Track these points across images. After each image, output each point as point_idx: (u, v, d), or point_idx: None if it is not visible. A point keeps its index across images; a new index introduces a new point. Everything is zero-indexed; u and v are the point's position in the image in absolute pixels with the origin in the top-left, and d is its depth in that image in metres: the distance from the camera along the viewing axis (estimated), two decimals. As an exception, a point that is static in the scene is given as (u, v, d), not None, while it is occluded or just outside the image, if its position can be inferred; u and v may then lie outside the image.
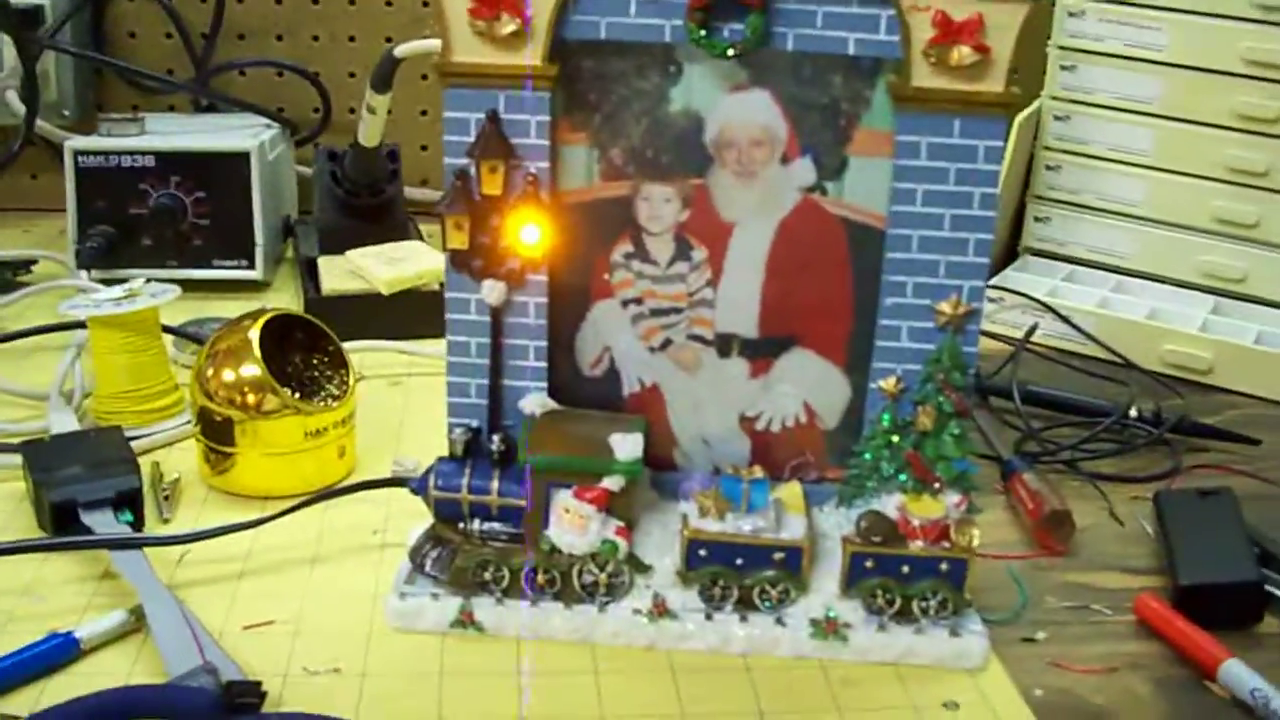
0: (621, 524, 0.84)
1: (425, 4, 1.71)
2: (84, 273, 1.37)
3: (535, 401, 0.87)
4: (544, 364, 0.87)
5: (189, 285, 1.26)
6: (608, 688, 0.81)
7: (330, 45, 1.73)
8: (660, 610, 0.84)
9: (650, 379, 0.90)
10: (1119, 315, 1.38)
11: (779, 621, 0.84)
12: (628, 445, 0.83)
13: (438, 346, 1.10)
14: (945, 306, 0.83)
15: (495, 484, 0.85)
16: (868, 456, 0.87)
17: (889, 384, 0.85)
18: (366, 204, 1.49)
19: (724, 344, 0.89)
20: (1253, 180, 1.40)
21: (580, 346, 0.89)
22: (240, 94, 1.70)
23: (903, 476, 0.85)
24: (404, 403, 1.20)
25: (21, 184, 1.72)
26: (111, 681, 0.78)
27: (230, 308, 1.34)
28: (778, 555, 0.84)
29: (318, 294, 1.34)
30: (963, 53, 0.78)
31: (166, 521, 0.97)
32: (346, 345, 1.08)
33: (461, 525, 0.86)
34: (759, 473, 0.85)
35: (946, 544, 0.83)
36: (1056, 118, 1.50)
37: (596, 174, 0.85)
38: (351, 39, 1.73)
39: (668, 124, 0.84)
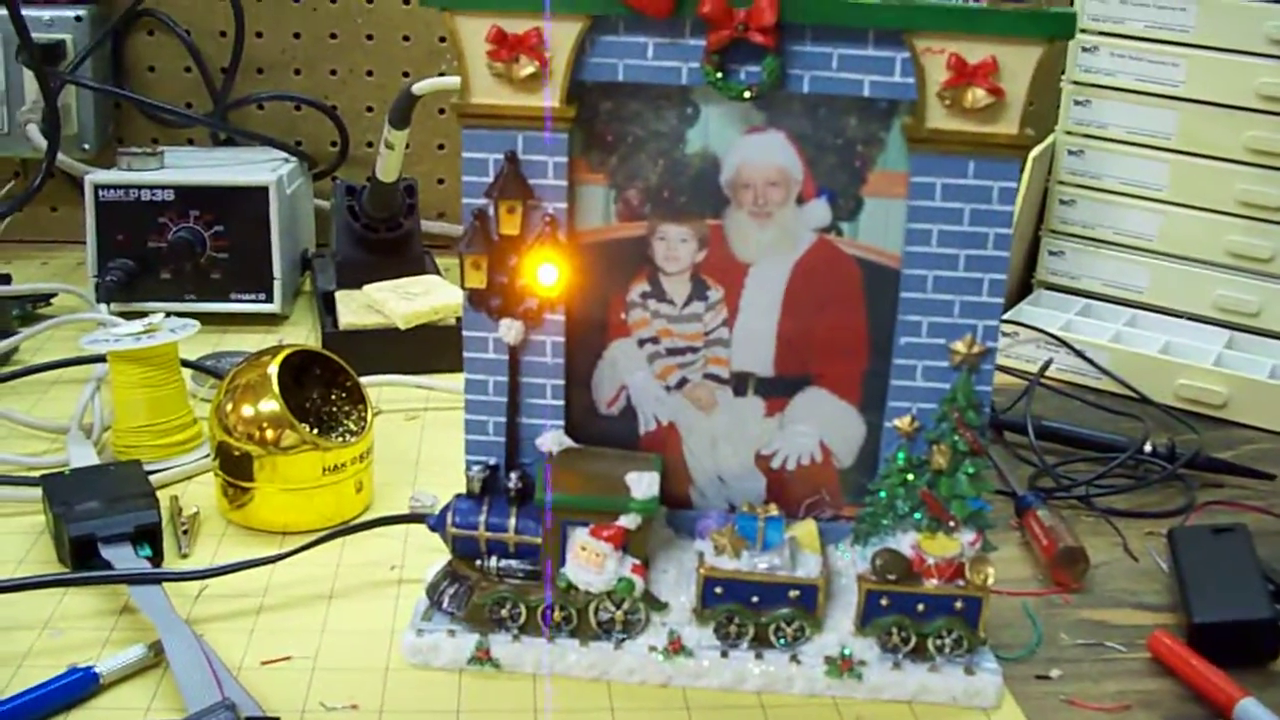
0: (638, 562, 0.85)
1: (442, 39, 1.72)
2: (103, 306, 1.38)
3: (552, 440, 0.87)
4: (561, 402, 0.87)
5: (207, 318, 1.27)
6: (624, 725, 0.82)
7: (348, 80, 1.74)
8: (676, 648, 0.85)
9: (666, 417, 0.90)
10: (1133, 349, 1.38)
11: (794, 659, 0.85)
12: (644, 483, 0.84)
13: (455, 381, 1.11)
14: (960, 346, 0.84)
15: (512, 521, 0.85)
16: (883, 495, 0.87)
17: (904, 423, 0.85)
18: (384, 238, 1.50)
19: (740, 383, 0.89)
20: (1267, 214, 1.40)
21: (597, 385, 0.90)
22: (259, 128, 1.71)
23: (918, 515, 0.86)
24: (421, 437, 1.20)
25: (41, 216, 1.73)
26: (131, 717, 0.79)
27: (248, 341, 1.36)
28: (793, 593, 0.84)
29: (335, 328, 1.35)
30: (977, 95, 0.79)
31: (185, 556, 0.98)
32: (364, 380, 1.09)
33: (479, 562, 0.87)
34: (774, 511, 0.85)
35: (961, 582, 0.83)
36: (1070, 152, 1.50)
37: (614, 214, 0.86)
38: (369, 73, 1.74)
39: (684, 165, 0.85)
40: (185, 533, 1.00)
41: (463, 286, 0.85)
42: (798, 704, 0.84)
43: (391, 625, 0.90)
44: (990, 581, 0.83)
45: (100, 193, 1.43)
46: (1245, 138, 1.39)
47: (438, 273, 1.49)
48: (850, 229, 0.85)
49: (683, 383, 0.89)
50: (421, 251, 1.54)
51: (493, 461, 0.88)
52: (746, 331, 0.88)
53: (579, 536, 0.84)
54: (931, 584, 0.83)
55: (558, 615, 0.85)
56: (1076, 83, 1.49)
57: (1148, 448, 1.19)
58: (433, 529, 0.88)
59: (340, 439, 1.05)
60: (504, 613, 0.86)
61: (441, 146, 1.78)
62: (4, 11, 1.33)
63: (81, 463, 1.06)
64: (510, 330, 0.85)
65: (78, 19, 1.62)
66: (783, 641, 0.85)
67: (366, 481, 1.05)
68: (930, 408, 0.85)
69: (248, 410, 1.00)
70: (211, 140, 1.73)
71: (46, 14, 1.60)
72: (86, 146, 1.66)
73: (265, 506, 1.01)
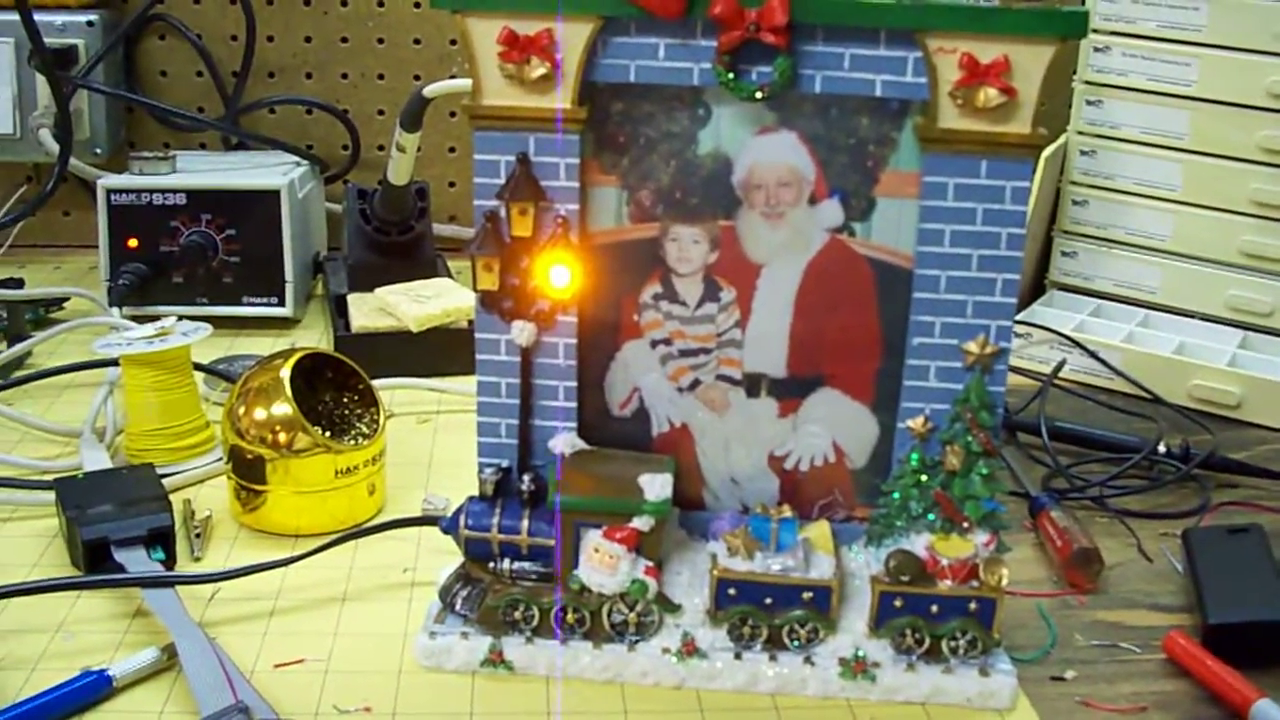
0: (651, 564, 0.85)
1: (453, 42, 1.72)
2: (116, 309, 1.38)
3: (565, 441, 0.87)
4: (573, 404, 0.87)
5: (219, 322, 1.27)
6: (637, 727, 0.81)
7: (359, 83, 1.75)
8: (689, 649, 0.84)
9: (679, 419, 0.90)
10: (1146, 350, 1.38)
11: (808, 661, 0.84)
12: (657, 485, 0.83)
13: (467, 383, 1.11)
14: (973, 346, 0.84)
15: (525, 523, 0.85)
16: (896, 496, 0.87)
17: (917, 423, 0.85)
18: (395, 241, 1.50)
19: (752, 384, 0.89)
20: (1280, 214, 1.40)
21: (609, 387, 0.90)
22: (270, 132, 1.71)
23: (931, 516, 0.85)
24: (433, 440, 1.20)
25: (54, 221, 1.74)
26: (144, 720, 0.79)
27: (260, 344, 1.36)
28: (806, 595, 0.84)
29: (347, 331, 1.35)
30: (989, 94, 0.78)
31: (198, 559, 0.98)
32: (376, 383, 1.09)
33: (491, 564, 0.87)
34: (788, 512, 0.85)
35: (975, 583, 0.83)
36: (1083, 152, 1.50)
37: (626, 215, 0.86)
38: (380, 77, 1.75)
39: (696, 165, 0.85)
40: (198, 536, 1.00)
41: (475, 289, 0.85)
42: (812, 706, 0.84)
43: (404, 628, 0.90)
44: (1004, 583, 0.83)
45: (112, 197, 1.43)
46: (1258, 137, 1.39)
47: (449, 275, 1.49)
48: (863, 229, 0.85)
49: (695, 384, 0.89)
50: (433, 254, 1.54)
51: (505, 464, 0.88)
52: (759, 332, 0.88)
53: (592, 538, 0.84)
54: (945, 585, 0.83)
55: (571, 617, 0.85)
56: (1089, 82, 1.48)
57: (1162, 448, 1.18)
58: (445, 531, 0.88)
59: (353, 442, 1.05)
60: (517, 615, 0.85)
61: (453, 149, 1.78)
62: (16, 16, 1.33)
63: (94, 466, 1.06)
64: (522, 332, 0.85)
65: (90, 24, 1.62)
66: (796, 643, 0.85)
67: (379, 484, 1.05)
68: (943, 408, 0.85)
69: (260, 413, 1.00)
70: (223, 144, 1.74)
71: (59, 19, 1.61)
72: (99, 151, 1.66)
73: (278, 509, 1.01)
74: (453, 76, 1.67)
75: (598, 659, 0.85)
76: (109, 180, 1.44)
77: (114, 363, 1.20)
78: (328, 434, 1.03)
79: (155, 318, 1.14)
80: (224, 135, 1.72)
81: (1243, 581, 0.93)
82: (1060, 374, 1.35)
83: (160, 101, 1.68)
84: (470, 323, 1.13)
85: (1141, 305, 1.50)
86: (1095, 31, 1.46)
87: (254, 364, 1.04)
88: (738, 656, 0.85)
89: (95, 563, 0.93)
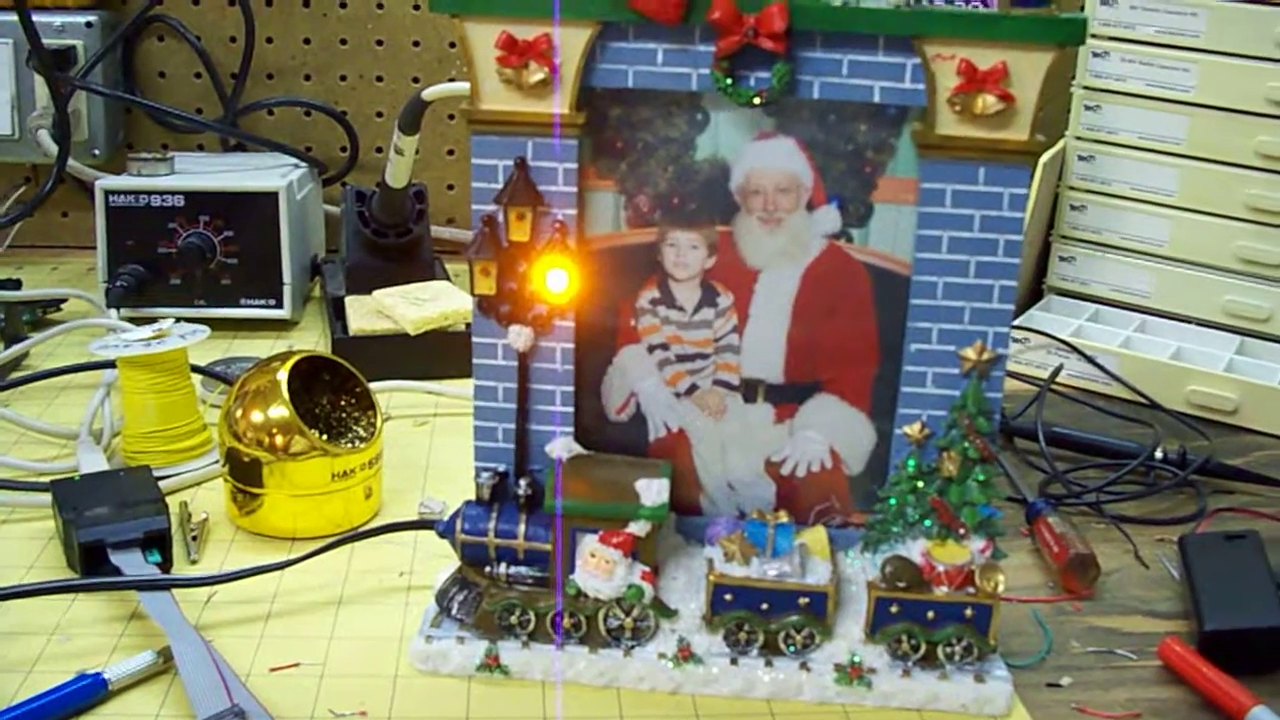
0: (647, 569, 0.85)
1: (452, 45, 1.72)
2: (113, 311, 1.38)
3: (562, 446, 0.87)
4: (570, 409, 0.87)
5: (217, 324, 1.27)
6: (633, 732, 0.81)
7: (358, 85, 1.75)
8: (685, 655, 0.84)
9: (676, 424, 0.90)
10: (1143, 355, 1.38)
11: (804, 666, 0.84)
12: (653, 490, 0.83)
13: (464, 387, 1.11)
14: (970, 352, 0.84)
15: (522, 528, 0.85)
16: (893, 502, 0.87)
17: (914, 430, 0.85)
18: (393, 244, 1.50)
19: (749, 389, 0.89)
20: (1277, 220, 1.40)
21: (606, 391, 0.90)
22: (268, 133, 1.71)
23: (928, 522, 0.86)
24: (430, 443, 1.20)
25: (52, 222, 1.74)
26: (140, 724, 0.79)
27: (258, 346, 1.36)
28: (803, 600, 0.84)
29: (345, 334, 1.35)
30: (987, 101, 0.78)
31: (194, 562, 0.98)
32: (373, 386, 1.09)
33: (488, 569, 0.87)
34: (784, 517, 0.85)
35: (971, 589, 0.83)
36: (1081, 158, 1.50)
37: (623, 220, 0.86)
38: (379, 79, 1.75)
39: (694, 171, 0.85)
40: (194, 539, 1.00)
41: (472, 293, 0.85)
42: (807, 711, 0.84)
43: (400, 632, 0.90)
44: (1001, 589, 0.83)
45: (110, 198, 1.43)
46: (1256, 143, 1.39)
47: (447, 278, 1.49)
48: (860, 235, 0.85)
49: (692, 389, 0.89)
50: (431, 257, 1.54)
51: (502, 468, 0.88)
52: (756, 338, 0.88)
53: (588, 543, 0.84)
54: (941, 591, 0.83)
55: (567, 622, 0.85)
56: (1087, 88, 1.48)
57: (1159, 454, 1.18)
58: (442, 535, 0.88)
59: (349, 445, 1.05)
60: (513, 619, 0.85)
61: (451, 152, 1.78)
62: (15, 17, 1.33)
63: (91, 468, 1.06)
64: (520, 337, 0.85)
65: (88, 25, 1.62)
66: (792, 649, 0.85)
67: (376, 487, 1.05)
68: (940, 414, 0.85)
69: (257, 416, 1.00)
70: (221, 146, 1.74)
71: (57, 19, 1.61)
72: (97, 152, 1.66)
73: (274, 512, 1.01)
74: (452, 79, 1.67)
75: (594, 664, 0.85)
76: (107, 181, 1.44)
77: (111, 364, 1.20)
78: (325, 437, 1.03)
79: (153, 319, 1.14)
80: (222, 137, 1.72)
81: (1239, 588, 0.93)
82: (1057, 379, 1.35)
83: (159, 103, 1.68)
84: (468, 326, 1.14)
85: (1139, 310, 1.50)
86: (1094, 37, 1.46)
87: (251, 366, 1.04)
88: (734, 662, 0.85)
89: (91, 565, 0.93)
